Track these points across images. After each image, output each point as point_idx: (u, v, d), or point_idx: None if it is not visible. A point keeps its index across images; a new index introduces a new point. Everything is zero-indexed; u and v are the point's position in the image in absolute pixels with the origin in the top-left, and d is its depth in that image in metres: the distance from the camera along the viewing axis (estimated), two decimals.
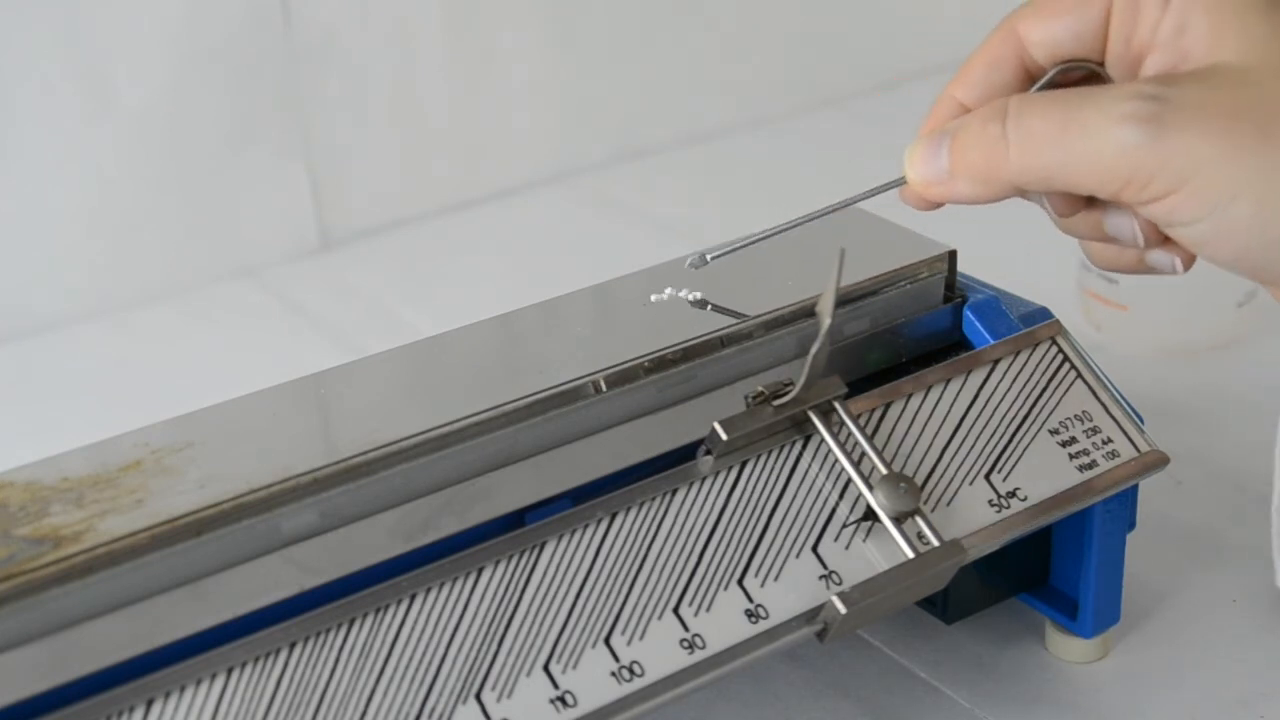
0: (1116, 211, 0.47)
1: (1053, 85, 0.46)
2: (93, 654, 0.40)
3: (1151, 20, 0.44)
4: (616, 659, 0.43)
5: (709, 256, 0.51)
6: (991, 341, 0.53)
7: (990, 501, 0.50)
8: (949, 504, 0.49)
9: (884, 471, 0.47)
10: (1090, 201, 0.47)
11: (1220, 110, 0.41)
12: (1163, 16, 0.44)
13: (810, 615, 0.45)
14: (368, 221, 0.96)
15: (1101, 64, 0.46)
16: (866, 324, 0.53)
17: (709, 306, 0.52)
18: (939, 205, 0.47)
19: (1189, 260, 0.47)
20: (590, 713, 0.42)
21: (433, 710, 0.42)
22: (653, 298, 0.53)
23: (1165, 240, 0.46)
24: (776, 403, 0.48)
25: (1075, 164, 0.42)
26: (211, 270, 0.91)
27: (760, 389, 0.48)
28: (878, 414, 0.50)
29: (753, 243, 0.51)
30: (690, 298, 0.52)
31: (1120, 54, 0.45)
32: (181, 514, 0.43)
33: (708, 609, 0.45)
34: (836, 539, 0.47)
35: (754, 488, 0.47)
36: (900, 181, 0.47)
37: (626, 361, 0.49)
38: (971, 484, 0.50)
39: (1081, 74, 0.46)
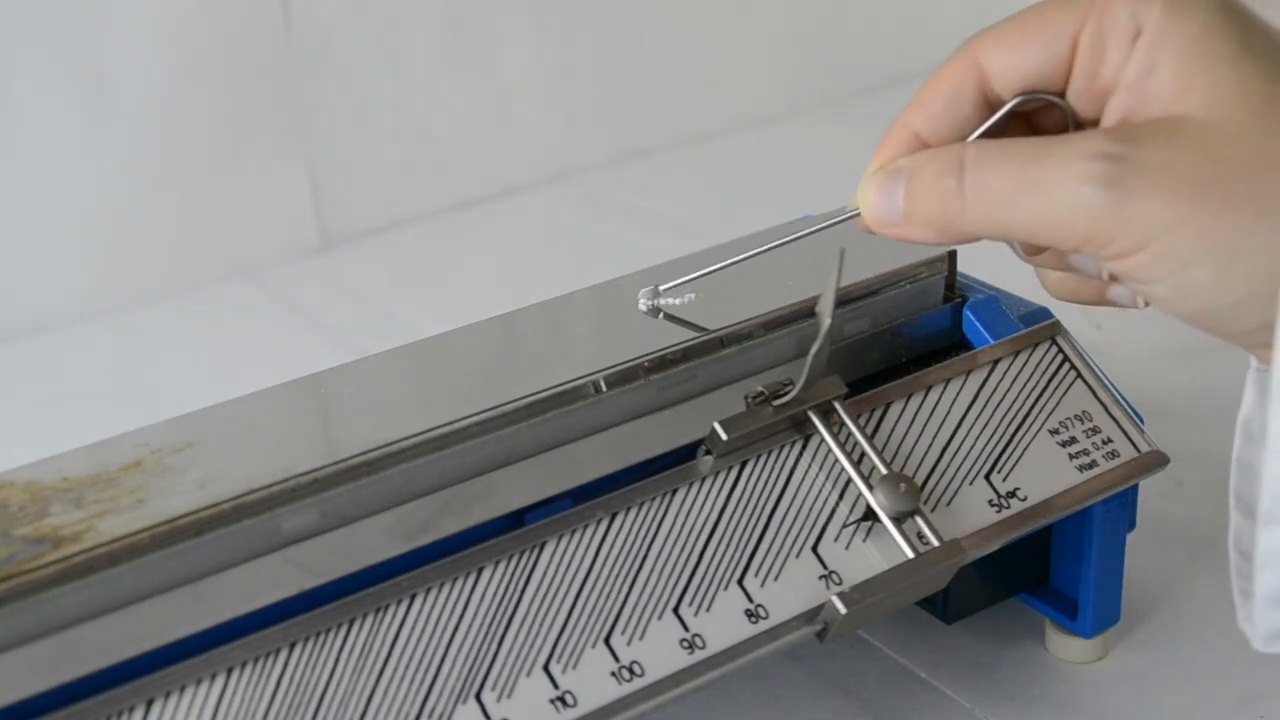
0: None
1: (1011, 115, 0.45)
2: (93, 654, 0.40)
3: (1118, 58, 0.42)
4: (616, 659, 0.43)
5: (661, 289, 0.52)
6: (991, 341, 0.53)
7: (990, 501, 0.50)
8: (949, 504, 0.49)
9: (884, 471, 0.47)
10: None
11: (1184, 175, 0.40)
12: (1129, 55, 0.42)
13: (810, 615, 0.45)
14: (368, 221, 0.96)
15: (1063, 95, 0.44)
16: (866, 324, 0.53)
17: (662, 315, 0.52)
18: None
19: None
20: (590, 713, 0.42)
21: (433, 710, 0.42)
22: (641, 306, 0.52)
23: None
24: (776, 403, 0.48)
25: (1033, 221, 0.42)
26: (211, 270, 0.91)
27: (760, 389, 0.48)
28: (878, 414, 0.50)
29: (703, 275, 0.51)
30: (676, 301, 0.52)
31: (1083, 89, 0.43)
32: (181, 514, 0.43)
33: (708, 609, 0.45)
34: (836, 539, 0.47)
35: (754, 488, 0.47)
36: (854, 214, 0.46)
37: (626, 361, 0.49)
38: (971, 484, 0.50)
39: (1040, 104, 0.45)
